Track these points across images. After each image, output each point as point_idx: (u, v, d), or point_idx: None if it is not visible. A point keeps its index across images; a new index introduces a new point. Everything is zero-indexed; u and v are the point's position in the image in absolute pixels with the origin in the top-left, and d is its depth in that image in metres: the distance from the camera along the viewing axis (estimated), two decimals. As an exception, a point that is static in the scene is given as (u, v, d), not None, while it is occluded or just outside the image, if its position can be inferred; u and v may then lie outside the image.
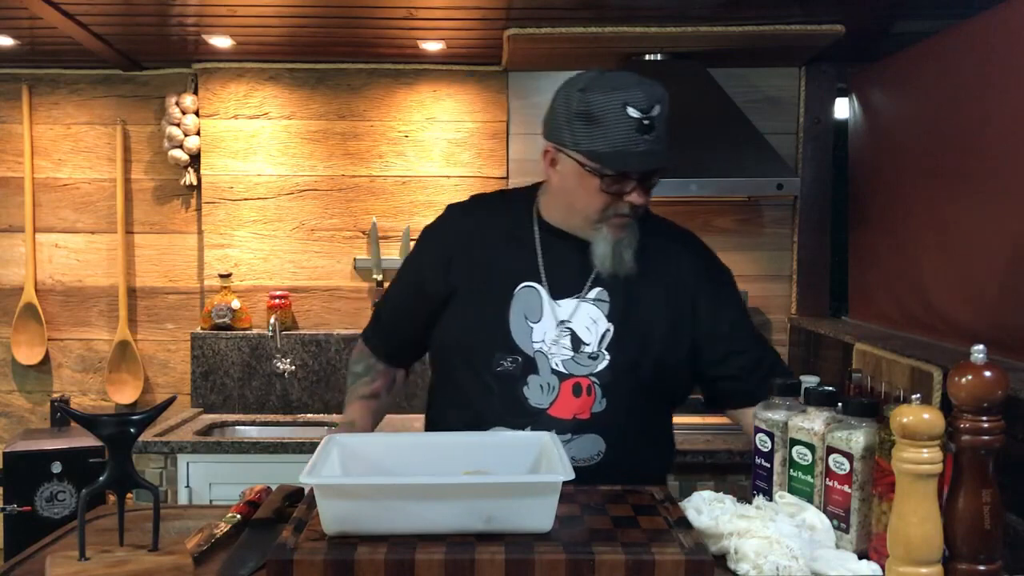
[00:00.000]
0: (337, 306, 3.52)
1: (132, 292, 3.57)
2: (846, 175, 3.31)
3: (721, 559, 1.27)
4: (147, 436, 2.91)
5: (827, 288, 3.45)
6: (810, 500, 1.36)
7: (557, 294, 1.68)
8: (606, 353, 1.66)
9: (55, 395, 3.52)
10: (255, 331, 3.47)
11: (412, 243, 3.37)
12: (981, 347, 1.15)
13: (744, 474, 2.76)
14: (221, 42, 3.15)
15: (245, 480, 2.09)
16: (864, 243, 3.16)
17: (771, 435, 1.43)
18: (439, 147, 3.48)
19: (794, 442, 1.39)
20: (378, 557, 1.15)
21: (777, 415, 1.43)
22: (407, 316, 1.83)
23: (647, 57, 3.12)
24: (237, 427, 3.32)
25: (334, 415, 3.40)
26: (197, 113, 3.46)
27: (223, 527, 1.40)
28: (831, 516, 1.32)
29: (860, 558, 1.25)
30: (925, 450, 1.12)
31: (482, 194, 2.08)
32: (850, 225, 3.28)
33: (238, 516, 1.45)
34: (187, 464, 2.89)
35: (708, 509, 1.33)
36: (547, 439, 1.42)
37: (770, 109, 3.39)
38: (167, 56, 3.39)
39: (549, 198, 1.73)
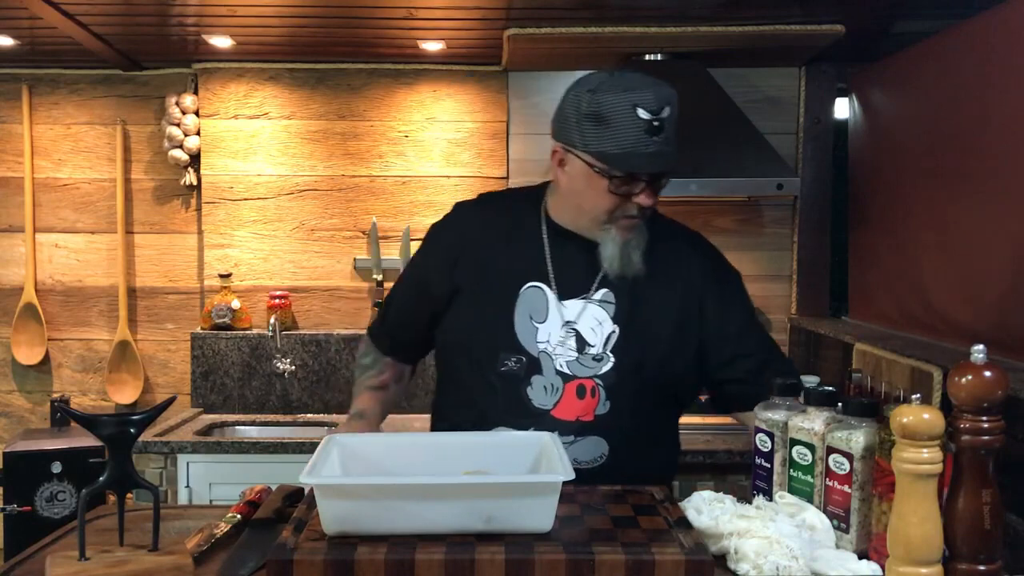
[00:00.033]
0: (337, 306, 3.52)
1: (132, 292, 3.57)
2: (846, 175, 3.31)
3: (721, 559, 1.27)
4: (147, 436, 2.91)
5: (827, 288, 3.45)
6: (810, 500, 1.36)
7: (564, 295, 1.67)
8: (611, 355, 1.65)
9: (55, 395, 3.52)
10: (255, 331, 3.47)
11: (412, 243, 3.41)
12: (981, 347, 1.15)
13: (744, 474, 2.76)
14: (221, 42, 3.15)
15: (245, 480, 2.09)
16: (864, 243, 3.16)
17: (771, 435, 1.43)
18: (439, 147, 3.48)
19: (794, 442, 1.39)
20: (378, 557, 1.15)
21: (777, 415, 1.43)
22: (412, 313, 1.83)
23: (647, 57, 3.13)
24: (237, 427, 3.32)
25: (334, 415, 3.40)
26: (197, 113, 3.46)
27: (223, 527, 1.40)
28: (831, 516, 1.32)
29: (860, 558, 1.25)
30: (925, 450, 1.12)
31: (490, 192, 2.08)
32: (850, 225, 3.28)
33: (238, 516, 1.45)
34: (187, 464, 2.89)
35: (708, 509, 1.33)
36: (547, 439, 1.42)
37: (770, 109, 3.39)
38: (167, 56, 3.39)
39: (557, 198, 1.71)
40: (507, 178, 3.45)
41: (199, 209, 3.53)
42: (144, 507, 1.47)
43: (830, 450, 1.33)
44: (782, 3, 2.71)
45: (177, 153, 3.43)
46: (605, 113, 1.54)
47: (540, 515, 1.22)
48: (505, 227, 1.74)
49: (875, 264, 3.04)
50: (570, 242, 1.69)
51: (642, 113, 1.52)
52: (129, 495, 1.34)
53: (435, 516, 1.21)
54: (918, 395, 1.17)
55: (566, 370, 1.65)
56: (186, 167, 3.48)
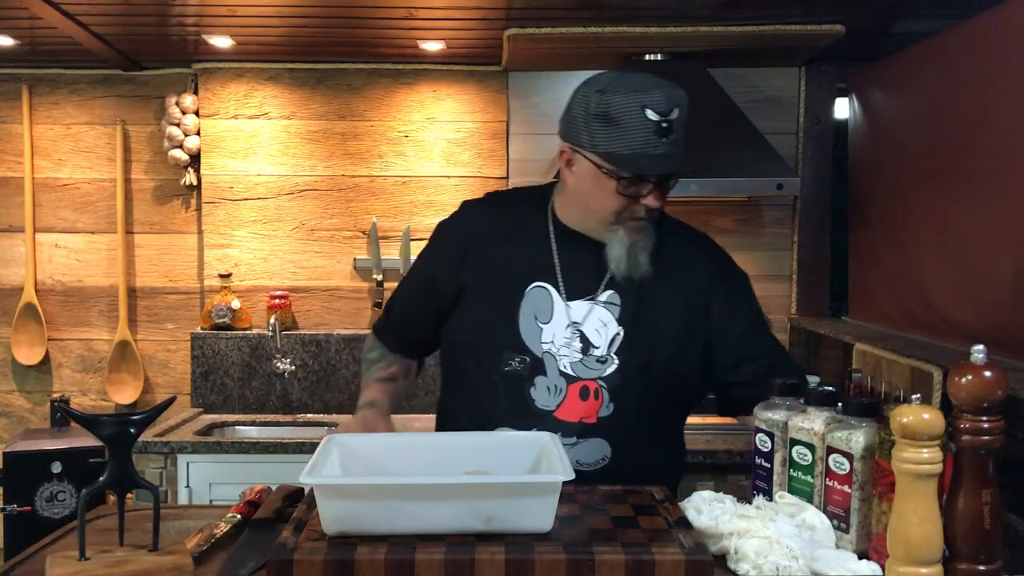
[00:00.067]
0: (337, 306, 3.52)
1: (132, 292, 3.57)
2: (846, 175, 3.31)
3: (721, 559, 1.27)
4: (147, 436, 2.91)
5: (827, 288, 3.45)
6: (810, 500, 1.36)
7: (571, 295, 1.67)
8: (615, 357, 1.64)
9: (55, 395, 3.52)
10: (255, 331, 3.47)
11: (412, 243, 3.41)
12: (981, 347, 1.15)
13: (744, 474, 2.76)
14: (221, 42, 3.15)
15: (245, 480, 2.09)
16: (864, 243, 3.16)
17: (771, 435, 1.43)
18: (439, 147, 3.48)
19: (794, 442, 1.39)
20: (378, 557, 1.15)
21: (777, 415, 1.43)
22: (418, 311, 1.83)
23: (647, 57, 3.13)
24: (237, 427, 3.32)
25: (334, 415, 3.40)
26: (197, 113, 3.46)
27: (223, 527, 1.40)
28: (831, 516, 1.32)
29: (860, 558, 1.25)
30: (925, 450, 1.12)
31: (497, 191, 2.07)
32: (850, 225, 3.28)
33: (238, 516, 1.45)
34: (187, 464, 2.89)
35: (708, 509, 1.33)
36: (547, 439, 1.41)
37: (770, 109, 3.39)
38: (167, 56, 3.39)
39: (565, 199, 1.70)
40: (507, 178, 3.45)
41: (199, 209, 3.53)
42: (144, 507, 1.47)
43: (830, 450, 1.33)
44: (782, 3, 2.71)
45: (177, 153, 3.43)
46: (614, 114, 1.53)
47: (540, 515, 1.22)
48: (512, 226, 1.73)
49: (875, 264, 3.04)
50: (577, 243, 1.68)
51: (651, 114, 1.51)
52: (129, 495, 1.34)
53: (435, 516, 1.21)
54: (918, 395, 1.17)
55: (570, 371, 1.64)
56: (186, 167, 3.48)
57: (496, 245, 1.72)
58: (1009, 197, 2.14)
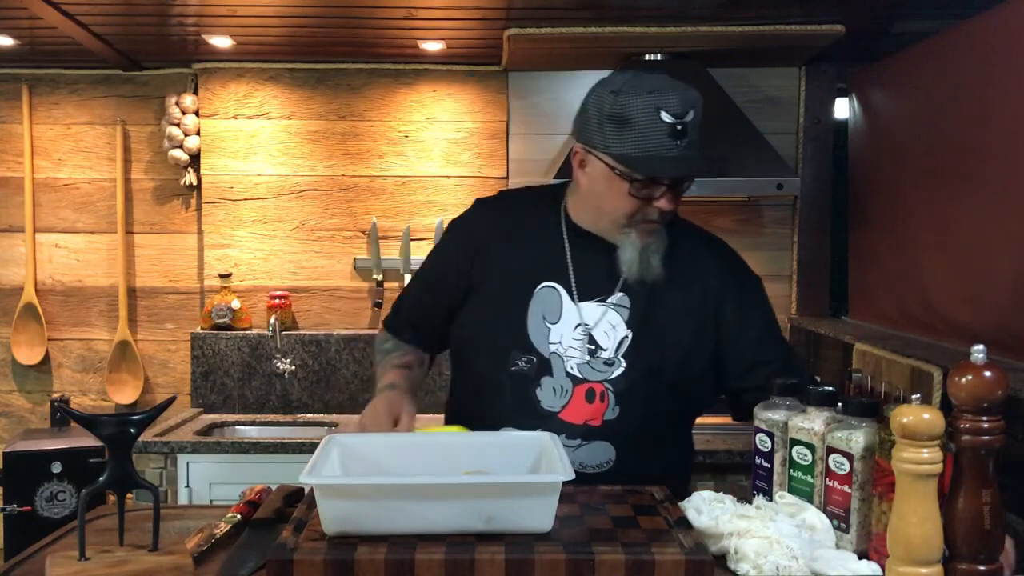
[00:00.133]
0: (337, 306, 3.52)
1: (132, 292, 3.57)
2: (846, 175, 3.31)
3: (721, 559, 1.27)
4: (147, 436, 2.91)
5: (827, 288, 3.45)
6: (810, 500, 1.36)
7: (583, 296, 1.66)
8: (622, 360, 1.63)
9: (55, 395, 3.52)
10: (255, 331, 3.47)
11: (412, 243, 3.41)
12: (981, 347, 1.15)
13: (744, 474, 2.76)
14: (221, 42, 3.15)
15: (245, 480, 2.09)
16: (864, 243, 3.16)
17: (771, 435, 1.43)
18: (439, 147, 3.48)
19: (794, 442, 1.39)
20: (378, 557, 1.15)
21: (777, 415, 1.43)
22: (427, 310, 1.82)
23: (647, 57, 3.13)
24: (237, 427, 3.32)
25: (334, 415, 3.40)
26: (197, 113, 3.46)
27: (223, 527, 1.40)
28: (831, 516, 1.32)
29: (860, 558, 1.25)
30: (925, 450, 1.12)
31: (510, 190, 2.06)
32: (850, 225, 3.28)
33: (238, 516, 1.45)
34: (187, 464, 2.89)
35: (708, 509, 1.33)
36: (547, 439, 1.41)
37: (770, 109, 3.39)
38: (167, 56, 3.39)
39: (577, 199, 1.69)
40: (507, 178, 3.45)
41: (199, 209, 3.53)
42: (144, 507, 1.47)
43: (830, 450, 1.32)
44: (782, 3, 2.71)
45: (177, 153, 3.43)
46: (628, 115, 1.51)
47: (540, 515, 1.22)
48: (524, 226, 1.73)
49: (875, 264, 3.04)
50: (590, 243, 1.67)
51: (665, 116, 1.50)
52: (129, 495, 1.34)
53: (435, 516, 1.21)
54: (918, 395, 1.17)
55: (576, 373, 1.63)
56: (186, 167, 3.48)
57: (507, 244, 1.71)
58: (1009, 197, 2.14)
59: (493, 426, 1.63)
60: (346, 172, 3.49)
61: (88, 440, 3.01)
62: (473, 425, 1.66)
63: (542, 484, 1.23)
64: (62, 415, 3.25)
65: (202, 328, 3.47)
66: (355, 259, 3.49)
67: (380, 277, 3.46)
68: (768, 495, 1.43)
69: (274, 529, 1.35)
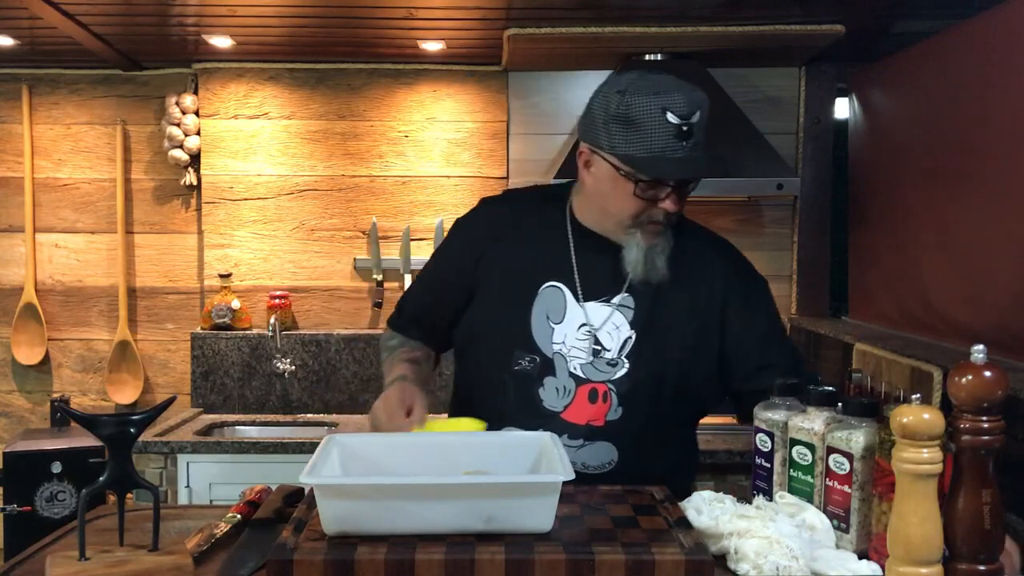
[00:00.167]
0: (337, 306, 3.52)
1: (132, 292, 3.57)
2: (846, 175, 3.32)
3: (721, 559, 1.27)
4: (147, 436, 2.91)
5: (827, 288, 3.45)
6: (810, 500, 1.36)
7: (587, 296, 1.65)
8: (625, 361, 1.63)
9: (55, 395, 3.52)
10: (255, 331, 3.47)
11: (412, 243, 3.41)
12: (981, 347, 1.15)
13: (744, 474, 2.76)
14: (221, 42, 3.15)
15: (245, 480, 2.09)
16: (864, 243, 3.16)
17: (771, 435, 1.43)
18: (439, 147, 3.48)
19: (794, 442, 1.39)
20: (378, 557, 1.15)
21: (777, 415, 1.43)
22: (431, 309, 1.81)
23: (647, 57, 3.13)
24: (237, 427, 3.32)
25: (334, 415, 3.40)
26: (197, 113, 3.46)
27: (223, 527, 1.40)
28: (831, 516, 1.32)
29: (860, 558, 1.25)
30: (925, 450, 1.12)
31: (516, 189, 2.05)
32: (850, 225, 3.28)
33: (238, 516, 1.45)
34: (187, 464, 2.89)
35: (708, 509, 1.33)
36: (547, 439, 1.41)
37: (770, 109, 3.39)
38: (167, 56, 3.39)
39: (583, 199, 1.68)
40: (507, 178, 3.45)
41: (199, 209, 3.53)
42: (144, 507, 1.47)
43: (830, 450, 1.32)
44: (782, 3, 2.71)
45: (177, 153, 3.43)
46: (634, 116, 1.51)
47: (540, 515, 1.22)
48: (529, 225, 1.72)
49: (875, 264, 3.04)
50: (595, 244, 1.66)
51: (671, 117, 1.49)
52: (129, 495, 1.34)
53: (435, 516, 1.21)
54: (918, 395, 1.17)
55: (580, 373, 1.63)
56: (186, 167, 3.48)
57: (512, 243, 1.71)
58: (1009, 197, 2.14)
59: (495, 425, 1.63)
60: (346, 172, 3.49)
61: (88, 440, 3.01)
62: None
63: (542, 484, 1.23)
64: (62, 415, 3.25)
65: (202, 328, 3.47)
66: (355, 259, 3.49)
67: (380, 277, 3.46)
68: (768, 495, 1.43)
69: (274, 529, 1.35)
